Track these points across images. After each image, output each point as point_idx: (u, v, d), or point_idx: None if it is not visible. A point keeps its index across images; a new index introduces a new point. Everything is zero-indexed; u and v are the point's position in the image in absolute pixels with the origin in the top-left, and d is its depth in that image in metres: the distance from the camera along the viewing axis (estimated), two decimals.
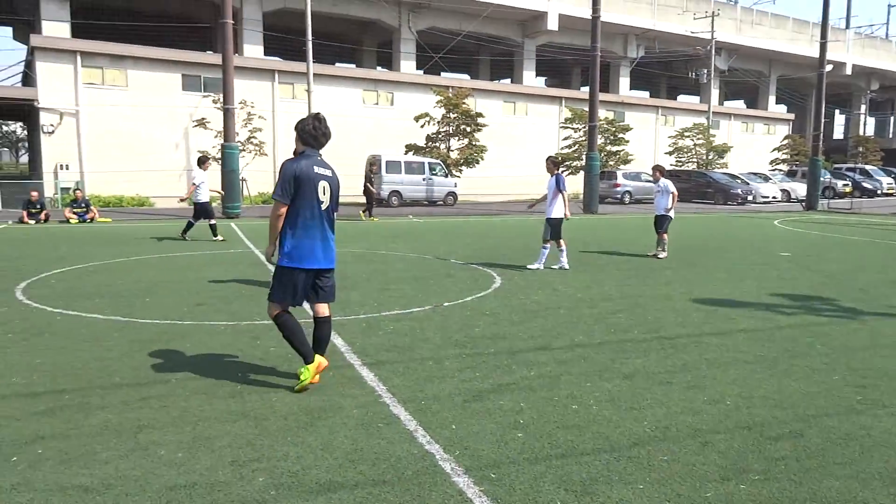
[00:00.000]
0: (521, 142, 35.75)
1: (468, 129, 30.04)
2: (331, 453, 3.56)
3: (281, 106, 29.64)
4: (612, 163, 34.14)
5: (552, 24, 37.11)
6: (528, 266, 10.32)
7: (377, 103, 32.49)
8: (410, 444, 3.69)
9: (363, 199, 25.49)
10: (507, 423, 4.02)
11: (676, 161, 38.26)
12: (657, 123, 41.54)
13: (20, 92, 28.74)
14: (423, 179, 27.95)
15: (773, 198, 34.71)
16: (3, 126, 70.26)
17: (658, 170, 12.47)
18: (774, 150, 42.80)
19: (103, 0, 29.22)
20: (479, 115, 30.34)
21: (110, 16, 30.33)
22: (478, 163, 30.03)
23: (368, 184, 21.16)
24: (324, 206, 4.56)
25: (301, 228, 4.48)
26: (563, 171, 33.37)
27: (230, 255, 11.58)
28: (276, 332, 6.00)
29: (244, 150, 24.79)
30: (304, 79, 27.01)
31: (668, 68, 48.56)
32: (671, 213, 12.10)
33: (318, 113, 4.76)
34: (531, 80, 39.95)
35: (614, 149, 34.40)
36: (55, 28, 27.09)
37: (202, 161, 14.52)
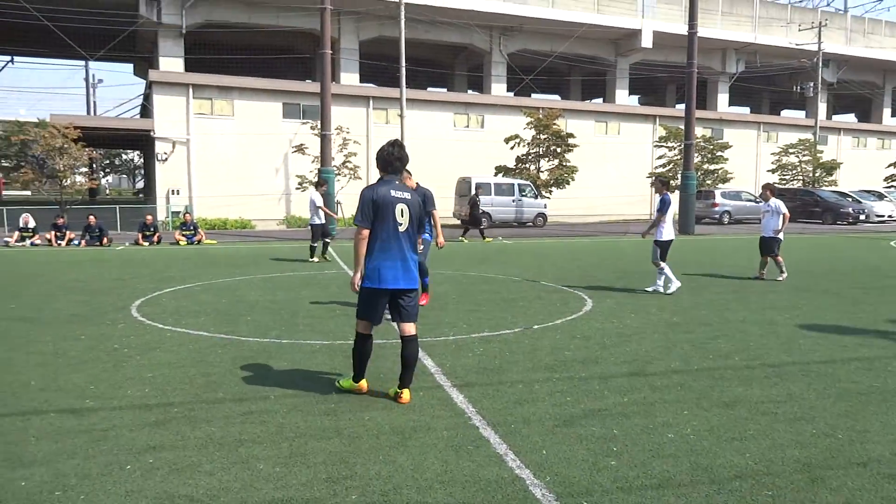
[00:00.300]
0: (613, 161, 35.14)
1: (558, 149, 29.84)
2: (421, 474, 3.59)
3: (375, 131, 30.52)
4: (709, 182, 32.92)
5: (646, 41, 36.43)
6: (647, 289, 10.04)
7: (468, 126, 32.86)
8: (500, 468, 3.67)
9: (456, 221, 25.67)
10: (600, 449, 3.93)
11: (780, 178, 36.42)
12: (759, 140, 39.77)
13: (139, 123, 31.05)
14: (513, 201, 27.93)
15: (889, 216, 32.36)
16: (123, 154, 75.96)
17: (769, 189, 11.86)
18: (890, 165, 39.94)
19: (214, 36, 31.22)
20: (570, 135, 30.08)
21: (220, 50, 32.37)
22: (568, 183, 29.72)
23: (473, 207, 21.27)
24: (402, 228, 4.71)
25: (380, 251, 4.66)
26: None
27: (325, 276, 11.97)
28: None
29: (339, 174, 25.66)
30: (398, 104, 27.71)
31: (771, 82, 46.48)
32: (780, 236, 11.51)
33: (396, 140, 5.00)
34: (624, 98, 39.29)
35: (712, 167, 33.18)
36: (171, 63, 29.16)
37: (319, 184, 15.05)
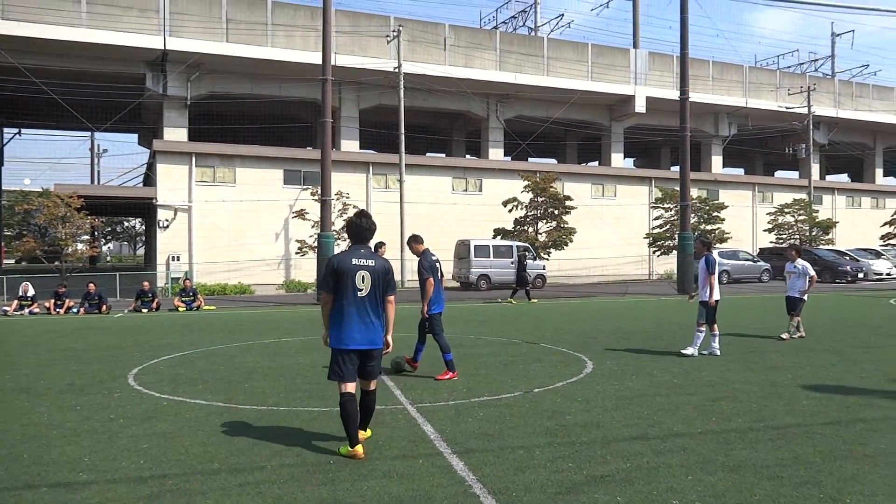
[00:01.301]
0: (610, 223, 35.49)
1: (556, 211, 30.16)
2: None
3: (375, 195, 30.94)
4: None
5: (640, 106, 37.35)
6: (682, 351, 9.81)
7: (466, 189, 33.31)
8: None
9: (455, 283, 25.76)
10: None
11: (777, 238, 36.70)
12: (754, 200, 40.28)
13: (141, 191, 31.46)
14: (512, 263, 28.01)
15: (888, 274, 32.42)
16: (125, 221, 76.62)
17: (794, 249, 11.98)
18: (885, 224, 40.29)
19: (218, 106, 32.01)
20: (567, 197, 30.47)
21: (224, 119, 33.12)
22: (566, 245, 29.92)
23: (520, 267, 21.52)
24: (362, 294, 5.06)
25: (339, 314, 5.06)
26: (655, 252, 32.73)
27: (321, 342, 11.90)
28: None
29: (339, 238, 25.85)
30: (397, 169, 28.20)
31: (764, 144, 47.40)
32: (805, 297, 11.60)
33: (363, 210, 5.48)
34: (619, 161, 39.98)
35: (709, 227, 33.45)
36: (175, 133, 29.80)
37: (378, 247, 14.60)
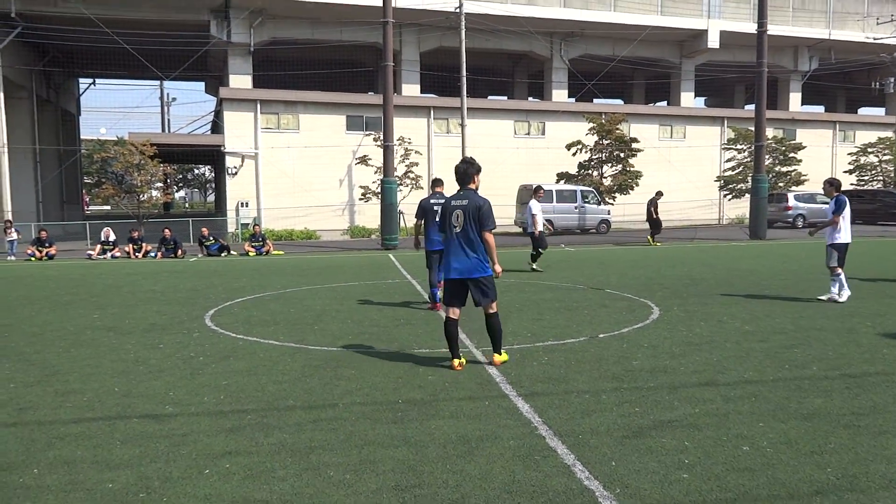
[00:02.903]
0: (679, 166, 34.33)
1: (622, 154, 29.39)
2: (489, 483, 3.60)
3: (436, 140, 30.79)
4: (781, 184, 31.73)
5: (713, 41, 35.47)
6: (837, 299, 9.29)
7: (529, 133, 32.74)
8: (569, 479, 3.63)
9: (517, 228, 25.65)
10: (671, 462, 3.84)
11: (858, 179, 34.80)
12: (835, 140, 38.10)
13: (210, 139, 32.24)
14: (576, 208, 27.62)
15: None
16: (195, 169, 79.01)
17: (829, 183, 10.75)
18: None
19: (280, 52, 32.18)
20: (634, 140, 29.60)
21: (286, 66, 33.31)
22: (632, 189, 29.23)
23: (653, 211, 21.32)
24: (457, 230, 5.82)
25: (445, 249, 6.02)
26: (727, 196, 31.58)
27: (388, 286, 12.12)
28: (433, 361, 6.22)
29: (402, 185, 25.97)
30: (458, 113, 27.88)
31: (847, 79, 44.45)
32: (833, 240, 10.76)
33: (466, 157, 6.35)
34: (689, 101, 38.33)
35: (784, 169, 31.99)
36: (240, 80, 30.21)
37: (537, 190, 14.43)
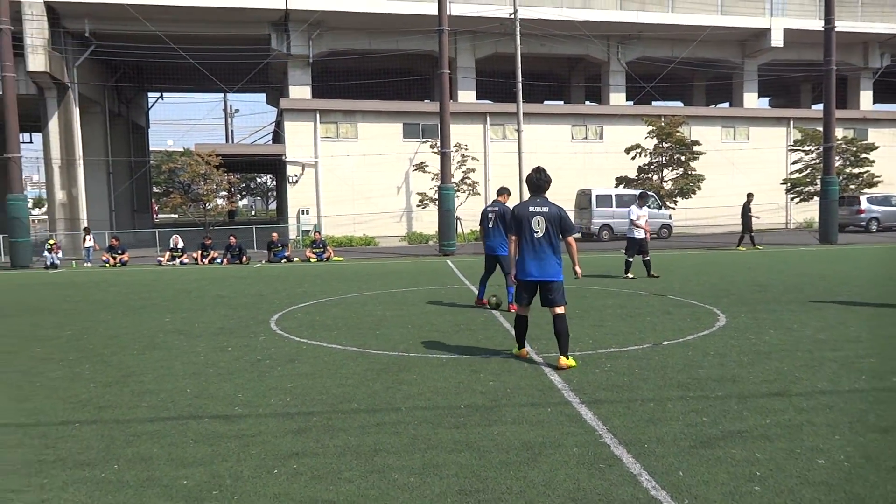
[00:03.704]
0: (742, 168, 33.32)
1: (683, 157, 28.75)
2: (553, 490, 3.57)
3: (492, 146, 30.80)
4: (853, 186, 30.42)
5: (776, 40, 34.34)
6: None
7: (586, 137, 32.40)
8: (635, 488, 3.58)
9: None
10: (741, 473, 3.73)
11: None
12: None
13: (271, 149, 33.09)
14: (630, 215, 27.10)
15: None
16: (257, 178, 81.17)
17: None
18: None
19: (338, 63, 32.81)
20: (695, 142, 28.93)
21: (344, 76, 33.94)
22: (694, 193, 28.54)
23: (747, 214, 21.02)
24: (538, 235, 6.16)
25: (521, 252, 6.30)
26: (794, 199, 30.51)
27: (447, 291, 12.17)
28: (494, 366, 6.22)
29: (459, 190, 26.07)
30: (514, 119, 27.82)
31: None
32: None
33: (538, 166, 6.56)
34: (753, 101, 37.19)
35: (856, 171, 30.65)
36: (299, 91, 30.94)
37: (643, 196, 14.79)
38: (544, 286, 6.17)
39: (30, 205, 24.83)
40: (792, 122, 34.41)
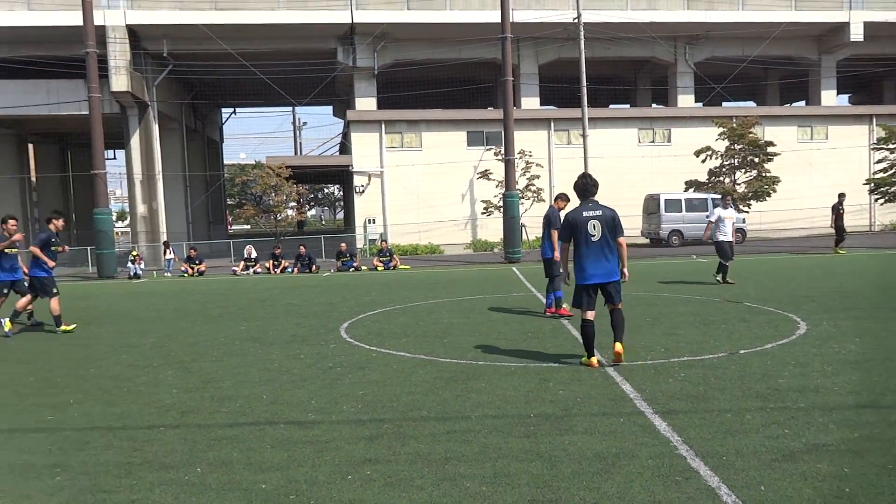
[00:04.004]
0: (820, 169, 31.90)
1: (756, 159, 27.77)
2: (628, 502, 3.51)
3: (557, 152, 30.56)
4: None
5: (856, 34, 32.77)
6: None
7: (653, 141, 31.73)
8: (714, 502, 3.47)
9: (644, 240, 24.92)
10: (829, 490, 3.57)
11: None
12: None
13: (338, 160, 33.79)
14: (707, 217, 26.35)
15: None
16: (325, 188, 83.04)
17: None
18: None
19: (401, 73, 33.27)
20: (769, 143, 27.91)
21: (408, 86, 34.39)
22: (769, 195, 27.51)
23: (838, 216, 20.26)
24: (595, 239, 6.35)
25: (580, 257, 6.44)
26: (878, 200, 28.98)
27: (514, 299, 12.13)
28: (563, 375, 6.16)
29: (523, 197, 25.96)
30: (579, 124, 27.54)
31: None
32: None
33: (585, 172, 6.83)
34: (831, 99, 35.58)
35: None
36: (365, 103, 31.53)
37: (725, 197, 14.25)
38: (606, 286, 6.41)
39: (114, 218, 26.17)
40: (874, 120, 32.75)
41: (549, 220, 9.66)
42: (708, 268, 17.05)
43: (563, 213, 8.42)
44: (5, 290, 10.06)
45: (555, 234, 9.32)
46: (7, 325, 9.80)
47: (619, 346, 6.39)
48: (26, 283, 10.37)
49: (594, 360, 6.47)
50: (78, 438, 4.90)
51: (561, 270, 7.03)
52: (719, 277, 13.16)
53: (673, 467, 3.95)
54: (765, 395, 5.34)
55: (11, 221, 10.20)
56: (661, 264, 18.68)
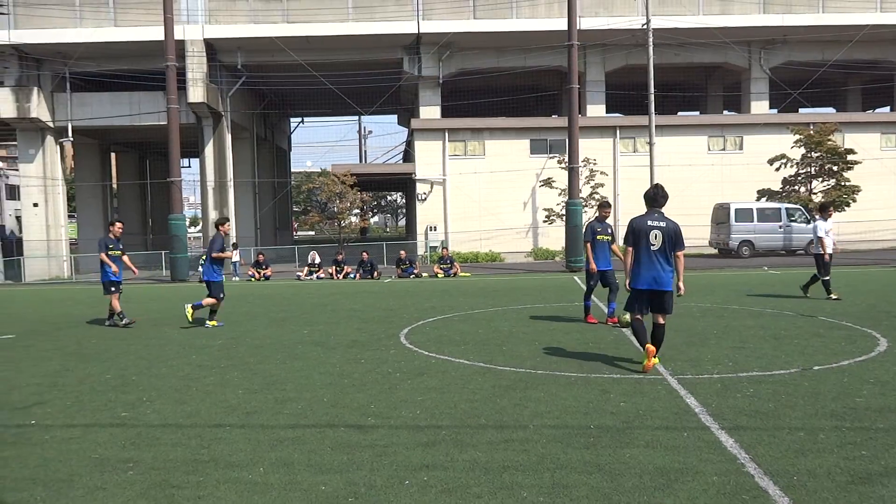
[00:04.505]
0: None
1: (835, 168, 26.56)
2: None
3: (622, 160, 30.03)
4: None
5: None
6: None
7: (724, 148, 30.78)
8: None
9: (712, 250, 24.18)
10: None
11: None
12: None
13: (402, 167, 34.19)
14: (780, 227, 25.39)
15: None
16: (388, 196, 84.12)
17: None
18: None
19: (466, 82, 33.41)
20: (850, 151, 26.64)
21: (472, 94, 34.52)
22: (848, 205, 26.25)
23: None
24: (654, 248, 6.56)
25: (637, 262, 6.67)
26: None
27: (575, 308, 11.94)
28: (624, 387, 6.04)
29: (587, 206, 25.62)
30: (646, 131, 27.01)
31: None
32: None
33: (658, 184, 7.00)
34: None
35: None
36: (429, 111, 31.80)
37: (824, 208, 12.81)
38: (658, 294, 6.59)
39: (187, 223, 27.23)
40: None
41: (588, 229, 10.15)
42: (780, 279, 16.39)
43: (611, 220, 8.53)
44: (113, 289, 11.31)
45: (587, 247, 10.01)
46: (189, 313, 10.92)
47: (649, 361, 6.57)
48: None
49: (650, 347, 6.59)
50: (150, 435, 5.10)
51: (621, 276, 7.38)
52: (808, 292, 12.49)
53: (740, 486, 3.80)
54: (840, 414, 5.09)
55: (118, 224, 11.66)
56: (730, 276, 18.06)
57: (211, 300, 10.97)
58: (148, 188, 42.19)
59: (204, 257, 11.72)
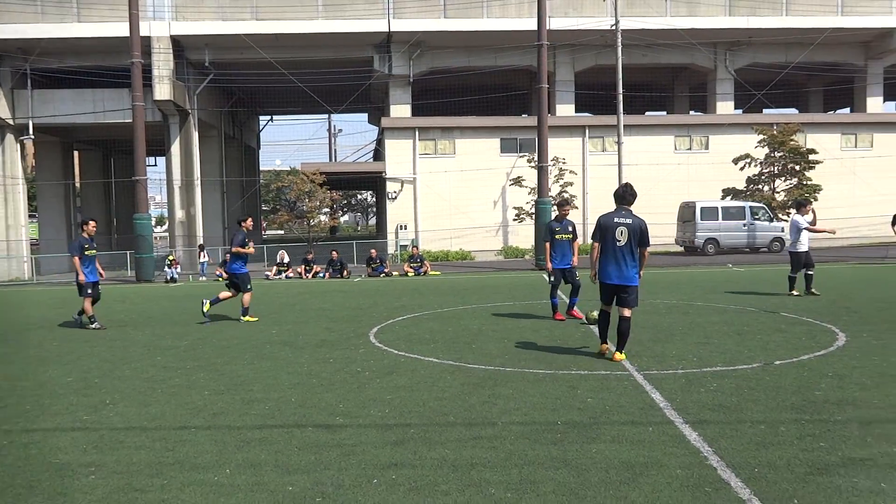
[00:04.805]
0: (865, 178, 31.06)
1: (797, 167, 27.17)
2: None
3: (591, 159, 30.33)
4: None
5: None
6: None
7: (690, 148, 31.28)
8: None
9: (678, 248, 24.56)
10: None
11: None
12: None
13: (372, 166, 34.05)
14: (744, 225, 25.89)
15: None
16: (358, 195, 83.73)
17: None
18: None
19: (436, 81, 33.40)
20: (811, 151, 27.28)
21: (442, 93, 34.53)
22: (810, 204, 26.85)
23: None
24: (620, 244, 6.84)
25: (604, 257, 6.99)
26: None
27: (544, 306, 12.03)
28: (592, 383, 6.09)
29: (555, 204, 25.82)
30: (614, 131, 27.32)
31: None
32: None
33: (627, 183, 7.44)
34: (877, 106, 34.59)
35: None
36: (400, 110, 31.74)
37: (801, 205, 12.86)
38: (622, 289, 6.92)
39: (152, 223, 26.79)
40: None
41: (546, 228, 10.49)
42: (745, 276, 16.71)
43: (578, 219, 8.62)
44: (89, 290, 10.93)
45: (546, 246, 10.65)
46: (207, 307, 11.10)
47: (619, 356, 6.97)
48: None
49: (604, 346, 7.20)
50: (112, 438, 5.01)
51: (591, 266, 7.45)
52: (796, 291, 12.42)
53: (703, 478, 3.87)
54: (800, 407, 5.21)
55: (92, 223, 11.17)
56: (694, 273, 18.37)
57: (248, 296, 11.35)
58: (112, 187, 41.34)
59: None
